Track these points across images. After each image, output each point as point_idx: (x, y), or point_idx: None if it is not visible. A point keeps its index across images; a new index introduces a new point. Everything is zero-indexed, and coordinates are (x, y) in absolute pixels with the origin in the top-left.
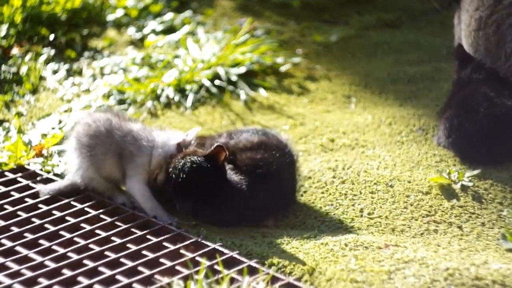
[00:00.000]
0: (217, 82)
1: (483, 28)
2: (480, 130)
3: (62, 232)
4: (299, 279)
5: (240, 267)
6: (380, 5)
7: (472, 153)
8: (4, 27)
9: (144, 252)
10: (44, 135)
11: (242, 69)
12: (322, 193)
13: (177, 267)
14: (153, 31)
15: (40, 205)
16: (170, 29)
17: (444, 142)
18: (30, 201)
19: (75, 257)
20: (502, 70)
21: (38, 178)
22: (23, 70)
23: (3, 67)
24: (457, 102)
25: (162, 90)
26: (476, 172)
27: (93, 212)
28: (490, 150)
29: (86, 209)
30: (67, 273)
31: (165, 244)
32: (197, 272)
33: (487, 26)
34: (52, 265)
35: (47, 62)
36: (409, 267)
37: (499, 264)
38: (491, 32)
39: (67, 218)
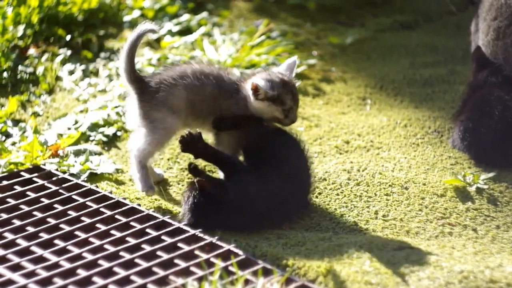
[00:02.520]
0: None
1: (502, 38)
2: (495, 134)
3: (77, 232)
4: (313, 281)
5: (255, 268)
6: (396, 7)
7: (487, 156)
8: (21, 27)
9: (158, 252)
10: (60, 135)
11: None
12: (337, 194)
13: (192, 268)
14: (170, 32)
15: (55, 205)
16: (186, 30)
17: (459, 144)
18: (45, 201)
19: (90, 257)
20: None
21: (54, 178)
22: (40, 70)
23: (20, 67)
24: (472, 105)
25: None
26: (491, 174)
27: (108, 213)
28: (505, 153)
29: (101, 209)
30: (82, 273)
31: (179, 245)
32: (211, 273)
33: (505, 36)
34: (67, 265)
35: (63, 62)
36: (423, 269)
37: None
38: (510, 42)
39: (83, 218)
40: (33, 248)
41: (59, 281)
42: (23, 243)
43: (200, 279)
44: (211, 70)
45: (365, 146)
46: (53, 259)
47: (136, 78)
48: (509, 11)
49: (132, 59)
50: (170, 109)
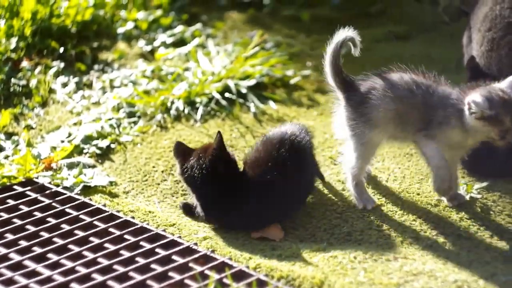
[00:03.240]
0: (227, 94)
1: (496, 49)
2: (487, 143)
3: (70, 246)
4: None
5: (249, 280)
6: (391, 18)
7: (480, 166)
8: (14, 40)
9: (153, 265)
10: (53, 148)
11: (252, 82)
12: (332, 205)
13: (186, 281)
14: (163, 44)
15: (48, 219)
16: (180, 42)
17: None
18: (39, 215)
19: (83, 271)
20: None
21: (47, 192)
22: (33, 83)
23: (13, 80)
24: None
25: (172, 102)
26: (484, 184)
27: (102, 226)
28: (497, 162)
29: (95, 222)
30: (76, 286)
31: (174, 257)
32: (206, 286)
33: (500, 47)
34: (61, 279)
35: (56, 75)
36: (418, 279)
37: (508, 276)
38: (504, 53)
39: (76, 231)
40: (26, 262)
41: None
42: (16, 257)
43: None
44: (423, 80)
45: None
46: (46, 273)
47: (343, 81)
48: (503, 22)
49: (336, 63)
50: (374, 122)
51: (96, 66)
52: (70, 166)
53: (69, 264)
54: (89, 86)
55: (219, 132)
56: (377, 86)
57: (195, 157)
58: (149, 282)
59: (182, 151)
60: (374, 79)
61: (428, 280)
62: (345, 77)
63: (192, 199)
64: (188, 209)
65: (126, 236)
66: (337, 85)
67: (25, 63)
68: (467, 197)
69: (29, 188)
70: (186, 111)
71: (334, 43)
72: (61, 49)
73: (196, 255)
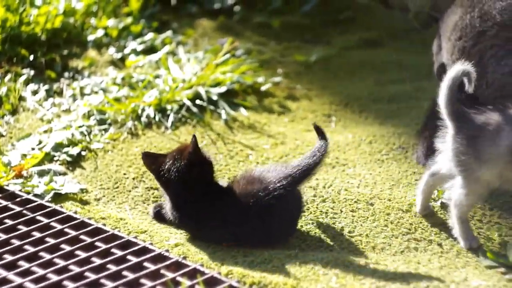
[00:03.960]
0: (197, 101)
1: (466, 57)
2: None
3: (41, 253)
4: None
5: (221, 286)
6: (362, 25)
7: None
8: None
9: (124, 272)
10: (23, 156)
11: (222, 89)
12: (303, 212)
13: (158, 287)
14: (134, 51)
15: (19, 226)
16: (150, 49)
17: (423, 161)
18: (9, 222)
19: (54, 278)
20: (482, 98)
21: (18, 199)
22: (3, 90)
23: None
24: (436, 121)
25: (143, 110)
26: None
27: (73, 233)
28: None
29: (66, 230)
30: None
31: (145, 264)
32: None
33: (470, 56)
34: (32, 287)
35: (26, 82)
36: (389, 285)
37: (479, 281)
38: (475, 62)
39: (47, 239)
40: None
41: None
42: None
43: None
44: None
45: (330, 163)
46: (17, 280)
47: (455, 113)
48: (474, 31)
49: (452, 99)
50: (484, 159)
51: (66, 74)
52: (41, 174)
53: (40, 272)
54: (60, 93)
55: (194, 135)
56: (492, 121)
57: (171, 160)
58: None
59: (152, 158)
60: (493, 111)
61: (399, 286)
62: (459, 109)
63: (165, 204)
64: (159, 215)
65: (97, 243)
66: (450, 114)
67: None
68: (438, 203)
69: None
70: (157, 118)
71: (451, 78)
72: (31, 57)
73: (168, 262)
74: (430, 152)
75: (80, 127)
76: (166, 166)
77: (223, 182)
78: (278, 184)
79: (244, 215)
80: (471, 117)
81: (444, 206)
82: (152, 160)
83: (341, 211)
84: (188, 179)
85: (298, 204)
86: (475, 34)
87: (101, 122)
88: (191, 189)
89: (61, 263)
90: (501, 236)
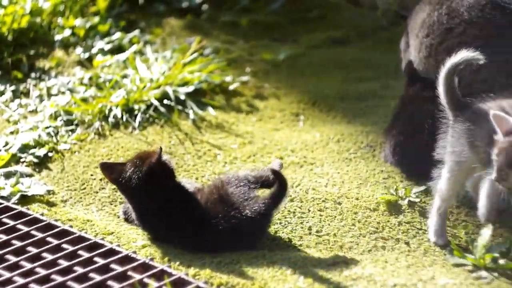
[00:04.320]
0: (165, 101)
1: (434, 55)
2: (425, 148)
3: (8, 256)
4: None
5: (189, 287)
6: (330, 23)
7: (418, 170)
8: None
9: (91, 274)
10: None
11: (190, 88)
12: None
13: None
14: (101, 51)
15: None
16: (118, 49)
17: (391, 159)
18: None
19: (21, 281)
20: None
21: None
22: None
23: None
24: (404, 119)
25: (110, 110)
26: (422, 188)
27: (40, 235)
28: (435, 167)
29: (32, 232)
30: None
31: (112, 266)
32: None
33: (438, 54)
34: None
35: None
36: (357, 284)
37: (446, 279)
38: (442, 59)
39: (13, 241)
40: None
41: None
42: None
43: None
44: None
45: (298, 162)
46: None
47: (456, 103)
48: (441, 28)
49: (451, 85)
50: (475, 144)
51: (33, 74)
52: (7, 175)
53: (6, 274)
54: (26, 94)
55: (160, 148)
56: (486, 109)
57: (132, 168)
58: None
59: (110, 168)
60: (486, 100)
61: (367, 285)
62: (458, 98)
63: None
64: (129, 216)
65: (64, 245)
66: (449, 106)
67: None
68: (406, 202)
69: None
70: (124, 118)
71: (450, 64)
72: None
73: (135, 263)
74: (397, 150)
75: (47, 128)
76: (127, 174)
77: (190, 184)
78: (244, 206)
79: (204, 224)
80: (468, 105)
81: (411, 205)
82: (110, 170)
83: (309, 211)
84: (149, 187)
85: (263, 217)
86: (442, 31)
87: (68, 122)
88: (152, 197)
89: (28, 265)
90: (467, 234)
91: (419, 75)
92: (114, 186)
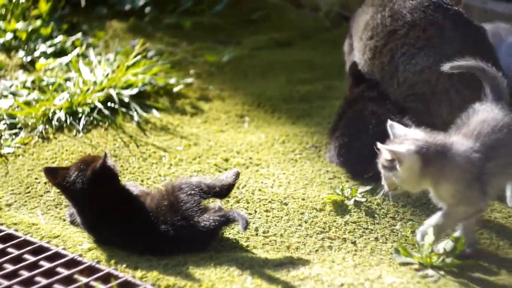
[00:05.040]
0: (109, 104)
1: (378, 57)
2: (370, 148)
3: None
4: None
5: None
6: (273, 25)
7: (363, 170)
8: None
9: (37, 278)
10: None
11: (134, 91)
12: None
13: None
14: (44, 54)
15: None
16: (61, 52)
17: (336, 159)
18: None
19: None
20: (394, 96)
21: None
22: None
23: None
24: (348, 120)
25: (54, 113)
26: (368, 188)
27: None
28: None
29: None
30: None
31: (58, 269)
32: None
33: (382, 55)
34: None
35: None
36: (304, 284)
37: (393, 278)
38: (386, 61)
39: None
40: None
41: None
42: None
43: None
44: None
45: (244, 163)
46: None
47: None
48: (385, 30)
49: None
50: None
51: None
52: None
53: None
54: None
55: (105, 153)
56: None
57: (76, 172)
58: None
59: (54, 172)
60: None
61: (314, 285)
62: None
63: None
64: (75, 220)
65: (9, 249)
66: None
67: None
68: (352, 202)
69: None
70: (68, 121)
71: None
72: None
73: (81, 267)
74: (342, 150)
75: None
76: (71, 179)
77: (136, 187)
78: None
79: (150, 228)
80: None
81: (357, 205)
82: (54, 174)
83: (256, 211)
84: (93, 191)
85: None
86: (386, 33)
87: (11, 126)
88: (95, 201)
89: None
90: (414, 233)
91: (363, 76)
92: (59, 190)
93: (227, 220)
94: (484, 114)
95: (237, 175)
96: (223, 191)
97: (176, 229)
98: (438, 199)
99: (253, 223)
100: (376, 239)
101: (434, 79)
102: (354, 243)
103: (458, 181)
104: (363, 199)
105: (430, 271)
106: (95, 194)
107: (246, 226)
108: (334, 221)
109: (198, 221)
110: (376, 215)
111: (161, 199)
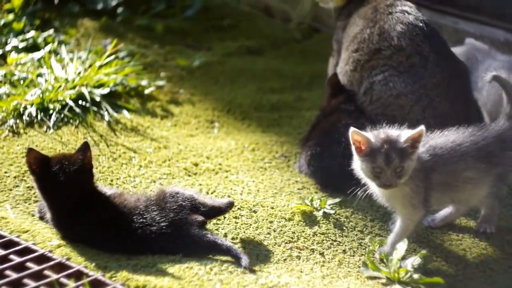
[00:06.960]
0: (81, 102)
1: (359, 71)
2: (342, 160)
3: None
4: None
5: None
6: (243, 32)
7: (333, 182)
8: None
9: (7, 272)
10: None
11: (106, 90)
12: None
13: None
14: (15, 48)
15: None
16: (32, 47)
17: (306, 170)
18: None
19: None
20: (367, 112)
21: None
22: None
23: None
24: (321, 131)
25: (25, 108)
26: (337, 200)
27: None
28: (350, 180)
29: None
30: None
31: (28, 264)
32: None
33: (363, 70)
34: None
35: None
36: None
37: None
38: (366, 75)
39: None
40: None
41: None
42: None
43: None
44: None
45: (213, 169)
46: None
47: None
48: (371, 47)
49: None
50: None
51: None
52: None
53: None
54: None
55: (86, 142)
56: None
57: (58, 165)
58: None
59: (38, 157)
60: None
61: None
62: None
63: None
64: (44, 215)
65: None
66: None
67: None
68: (321, 213)
69: None
70: (39, 117)
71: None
72: None
73: (52, 263)
74: (313, 161)
75: None
76: (54, 168)
77: (109, 189)
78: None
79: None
80: None
81: (326, 216)
82: (36, 161)
83: (225, 218)
84: (70, 186)
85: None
86: (371, 50)
87: None
88: (69, 197)
89: None
90: (382, 247)
91: (341, 87)
92: (28, 184)
93: (226, 250)
94: None
95: (231, 205)
96: (211, 214)
97: (159, 234)
98: None
99: (222, 229)
100: (344, 251)
101: (408, 106)
102: (322, 254)
103: None
104: (332, 211)
105: (397, 287)
106: (72, 188)
107: (246, 264)
108: (303, 231)
109: (189, 234)
110: (344, 228)
111: (150, 201)
